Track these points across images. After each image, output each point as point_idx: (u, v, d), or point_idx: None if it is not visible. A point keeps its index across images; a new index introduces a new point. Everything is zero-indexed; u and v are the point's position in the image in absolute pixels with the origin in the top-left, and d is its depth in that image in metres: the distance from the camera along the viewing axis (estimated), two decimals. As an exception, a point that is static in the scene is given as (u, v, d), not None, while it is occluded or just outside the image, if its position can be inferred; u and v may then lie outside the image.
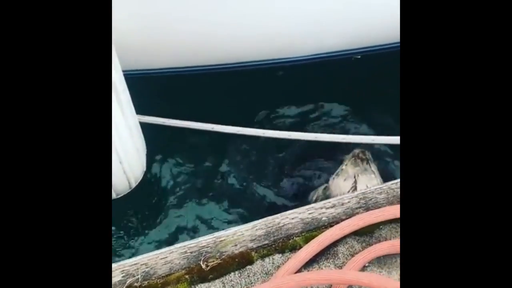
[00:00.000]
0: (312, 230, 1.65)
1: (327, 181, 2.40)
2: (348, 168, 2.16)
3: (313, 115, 3.11)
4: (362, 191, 1.74)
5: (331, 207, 1.70)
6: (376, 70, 3.11)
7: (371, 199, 1.71)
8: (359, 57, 3.15)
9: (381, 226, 1.65)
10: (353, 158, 2.21)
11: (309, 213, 1.68)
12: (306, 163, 2.83)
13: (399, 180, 1.76)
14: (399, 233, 1.63)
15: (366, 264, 1.56)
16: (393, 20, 2.63)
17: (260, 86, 3.10)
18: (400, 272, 1.50)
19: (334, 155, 2.74)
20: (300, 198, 2.57)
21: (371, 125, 3.03)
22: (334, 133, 2.71)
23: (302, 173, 2.80)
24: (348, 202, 1.71)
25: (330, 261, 1.57)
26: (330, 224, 1.65)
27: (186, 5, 2.38)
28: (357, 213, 1.67)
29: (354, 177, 2.14)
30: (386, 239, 1.61)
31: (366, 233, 1.63)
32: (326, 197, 2.17)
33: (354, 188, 2.09)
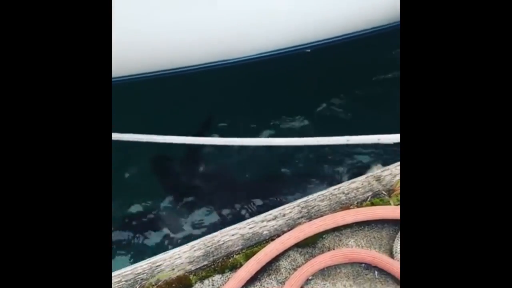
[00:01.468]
0: (253, 245, 1.58)
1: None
2: None
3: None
4: (304, 199, 1.68)
5: (272, 219, 1.63)
6: (327, 62, 3.06)
7: (313, 207, 1.65)
8: (309, 51, 3.08)
9: (324, 236, 1.59)
10: None
11: (250, 228, 1.61)
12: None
13: (341, 185, 1.71)
14: (342, 241, 1.58)
15: (310, 277, 1.51)
16: (338, 12, 2.60)
17: (212, 90, 3.01)
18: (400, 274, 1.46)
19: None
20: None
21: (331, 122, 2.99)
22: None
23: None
24: (290, 212, 1.64)
25: (272, 277, 1.50)
26: (272, 238, 1.58)
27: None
28: (300, 223, 1.61)
29: None
30: (329, 249, 1.56)
31: (309, 244, 1.57)
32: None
33: None
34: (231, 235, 1.60)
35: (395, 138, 1.89)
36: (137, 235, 2.57)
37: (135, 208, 2.71)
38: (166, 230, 2.59)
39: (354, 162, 2.80)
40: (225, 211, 2.64)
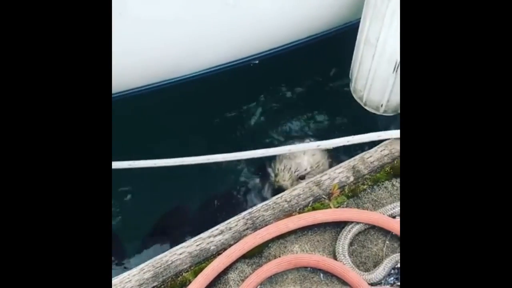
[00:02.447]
0: (201, 262, 1.61)
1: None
2: (304, 160, 2.16)
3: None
4: (248, 211, 1.72)
5: (219, 234, 1.66)
6: (274, 72, 3.10)
7: (258, 217, 1.69)
8: (257, 62, 3.13)
9: (269, 244, 1.64)
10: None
11: (197, 245, 1.64)
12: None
13: (283, 193, 1.76)
14: (287, 248, 1.63)
15: (258, 287, 1.55)
16: (282, 23, 2.65)
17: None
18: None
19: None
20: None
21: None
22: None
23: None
24: (236, 225, 1.68)
25: (222, 291, 1.54)
26: (219, 252, 1.62)
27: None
28: (246, 235, 1.65)
29: (308, 168, 2.14)
30: (275, 257, 1.61)
31: (255, 254, 1.61)
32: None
33: (304, 177, 2.10)
34: (179, 254, 1.62)
35: (334, 143, 1.95)
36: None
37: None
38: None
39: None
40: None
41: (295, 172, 2.15)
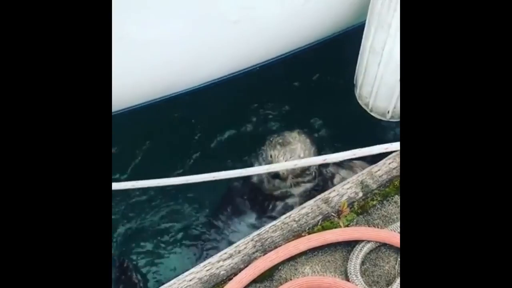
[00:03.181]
0: (212, 287, 1.59)
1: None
2: (298, 147, 2.23)
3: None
4: (256, 232, 1.69)
5: (228, 258, 1.64)
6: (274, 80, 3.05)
7: (266, 239, 1.67)
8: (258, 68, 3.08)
9: (280, 267, 1.61)
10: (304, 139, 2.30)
11: (207, 270, 1.62)
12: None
13: (291, 213, 1.73)
14: (298, 270, 1.60)
15: (271, 311, 1.53)
16: (281, 33, 2.61)
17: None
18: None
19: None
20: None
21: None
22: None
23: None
24: (244, 248, 1.66)
25: (234, 317, 1.51)
26: (229, 277, 1.60)
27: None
28: (255, 258, 1.62)
29: (301, 154, 2.20)
30: (286, 280, 1.58)
31: (266, 278, 1.59)
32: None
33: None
34: (188, 281, 1.60)
35: (340, 156, 1.91)
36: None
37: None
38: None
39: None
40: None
41: (290, 158, 2.19)
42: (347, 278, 1.57)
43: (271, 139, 2.38)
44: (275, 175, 2.23)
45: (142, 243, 2.47)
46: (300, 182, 2.29)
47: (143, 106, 2.49)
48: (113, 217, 2.45)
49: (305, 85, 3.03)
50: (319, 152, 2.37)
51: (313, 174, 2.31)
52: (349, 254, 1.61)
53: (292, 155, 2.20)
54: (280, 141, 2.30)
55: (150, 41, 2.05)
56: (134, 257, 2.42)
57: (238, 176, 2.14)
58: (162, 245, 2.45)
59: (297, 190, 2.30)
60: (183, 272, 1.63)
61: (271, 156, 2.26)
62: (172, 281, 1.61)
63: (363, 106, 2.63)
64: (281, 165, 2.12)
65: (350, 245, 1.64)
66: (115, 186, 1.87)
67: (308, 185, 2.31)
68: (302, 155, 2.21)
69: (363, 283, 1.55)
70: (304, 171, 2.28)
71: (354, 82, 2.69)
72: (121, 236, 2.50)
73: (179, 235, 2.47)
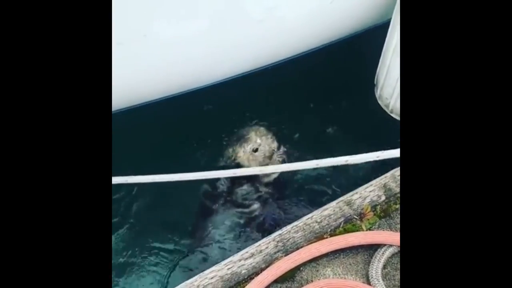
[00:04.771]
0: (233, 286, 1.59)
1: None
2: (252, 135, 2.39)
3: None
4: (278, 233, 1.70)
5: (250, 257, 1.65)
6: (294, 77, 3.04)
7: (288, 239, 1.67)
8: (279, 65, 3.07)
9: (301, 268, 1.62)
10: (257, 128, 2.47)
11: (228, 268, 1.63)
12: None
13: (313, 214, 1.73)
14: (319, 271, 1.61)
15: (291, 312, 1.53)
16: (304, 32, 2.59)
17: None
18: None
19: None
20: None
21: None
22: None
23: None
24: (266, 248, 1.66)
25: (255, 317, 1.52)
26: (250, 276, 1.60)
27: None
28: (276, 258, 1.63)
29: (257, 141, 2.37)
30: (307, 281, 1.59)
31: (287, 279, 1.60)
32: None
33: (256, 149, 2.34)
34: (210, 278, 1.61)
35: (363, 158, 1.91)
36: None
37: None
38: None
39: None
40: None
41: (248, 147, 2.36)
42: (368, 282, 1.57)
43: (226, 139, 2.55)
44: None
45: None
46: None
47: (163, 100, 2.50)
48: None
49: (324, 83, 3.01)
50: (276, 138, 2.46)
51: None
52: (371, 258, 1.61)
53: (249, 143, 2.35)
54: (235, 138, 2.44)
55: (175, 38, 2.05)
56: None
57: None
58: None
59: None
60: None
61: (230, 153, 2.42)
62: (194, 278, 1.62)
63: (383, 107, 2.61)
64: (274, 168, 2.20)
65: (372, 248, 1.63)
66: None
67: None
68: (258, 140, 2.36)
69: (384, 287, 1.55)
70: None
71: (375, 82, 2.67)
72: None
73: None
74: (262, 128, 2.45)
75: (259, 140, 2.38)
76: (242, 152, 2.37)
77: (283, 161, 2.45)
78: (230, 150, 2.43)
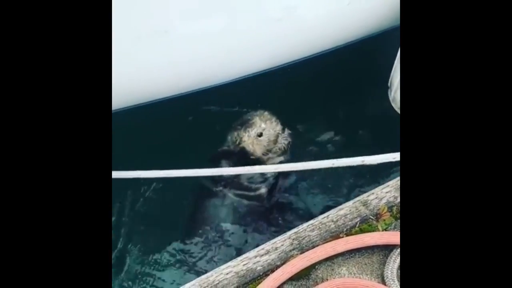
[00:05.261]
0: (248, 282, 1.60)
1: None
2: (257, 120, 2.42)
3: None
4: (294, 230, 1.70)
5: (265, 254, 1.66)
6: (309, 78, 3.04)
7: (303, 238, 1.68)
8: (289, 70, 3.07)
9: (316, 266, 1.62)
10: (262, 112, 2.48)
11: (244, 265, 1.64)
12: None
13: (329, 213, 1.74)
14: (334, 270, 1.61)
15: (306, 310, 1.54)
16: (322, 32, 2.60)
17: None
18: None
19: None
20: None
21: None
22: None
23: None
24: (282, 245, 1.67)
25: (270, 313, 1.53)
26: (266, 273, 1.61)
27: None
28: (292, 256, 1.63)
29: (262, 125, 2.40)
30: (323, 279, 1.59)
31: (303, 277, 1.60)
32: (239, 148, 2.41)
33: (261, 134, 2.39)
34: (225, 274, 1.62)
35: (380, 159, 1.91)
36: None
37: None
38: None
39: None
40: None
41: (253, 132, 2.40)
42: (383, 282, 1.57)
43: (232, 124, 2.53)
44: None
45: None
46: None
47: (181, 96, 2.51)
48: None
49: (337, 84, 3.02)
50: (282, 123, 2.49)
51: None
52: (386, 258, 1.61)
53: (253, 128, 2.39)
54: (239, 122, 2.47)
55: (194, 35, 2.06)
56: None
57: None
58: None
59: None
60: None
61: (235, 138, 2.44)
62: (209, 273, 1.63)
63: (397, 110, 2.61)
64: (290, 166, 2.18)
65: (387, 249, 1.63)
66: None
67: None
68: (263, 125, 2.40)
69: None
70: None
71: (389, 84, 2.67)
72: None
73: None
74: (266, 113, 2.47)
75: (264, 125, 2.40)
76: (247, 137, 2.40)
77: (288, 144, 2.48)
78: (235, 134, 2.44)
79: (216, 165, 2.42)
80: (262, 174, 2.49)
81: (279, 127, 2.45)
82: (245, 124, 2.42)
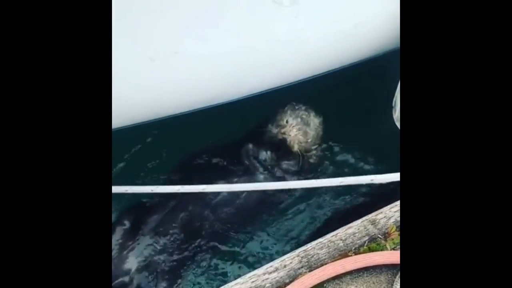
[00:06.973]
0: (257, 300, 1.61)
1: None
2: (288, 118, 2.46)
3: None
4: (302, 248, 1.71)
5: (274, 271, 1.66)
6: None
7: (312, 256, 1.69)
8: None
9: (325, 285, 1.63)
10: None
11: (252, 282, 1.64)
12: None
13: (338, 231, 1.75)
14: (343, 289, 1.62)
15: (315, 328, 1.54)
16: (326, 54, 2.65)
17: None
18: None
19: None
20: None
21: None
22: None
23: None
24: (290, 263, 1.68)
25: (279, 331, 1.53)
26: (274, 290, 1.62)
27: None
28: (300, 273, 1.64)
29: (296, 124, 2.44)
30: (331, 298, 1.60)
31: (311, 295, 1.61)
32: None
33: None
34: (234, 291, 1.63)
35: (389, 178, 1.93)
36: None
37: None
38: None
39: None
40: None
41: (299, 135, 2.41)
42: (392, 301, 1.58)
43: (296, 107, 2.57)
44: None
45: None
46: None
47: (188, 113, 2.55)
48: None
49: (342, 103, 3.05)
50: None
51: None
52: (394, 277, 1.62)
53: (302, 135, 2.42)
54: (304, 116, 2.50)
55: (203, 55, 2.12)
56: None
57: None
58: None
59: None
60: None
61: (286, 121, 2.47)
62: (218, 290, 1.64)
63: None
64: (300, 183, 2.24)
65: (395, 268, 1.64)
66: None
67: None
68: (306, 139, 2.44)
69: (408, 307, 1.56)
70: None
71: (393, 104, 2.71)
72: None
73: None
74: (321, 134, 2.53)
75: (309, 140, 2.45)
76: (295, 131, 2.42)
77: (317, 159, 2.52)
78: (285, 119, 2.46)
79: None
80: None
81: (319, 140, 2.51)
82: (304, 124, 2.46)
